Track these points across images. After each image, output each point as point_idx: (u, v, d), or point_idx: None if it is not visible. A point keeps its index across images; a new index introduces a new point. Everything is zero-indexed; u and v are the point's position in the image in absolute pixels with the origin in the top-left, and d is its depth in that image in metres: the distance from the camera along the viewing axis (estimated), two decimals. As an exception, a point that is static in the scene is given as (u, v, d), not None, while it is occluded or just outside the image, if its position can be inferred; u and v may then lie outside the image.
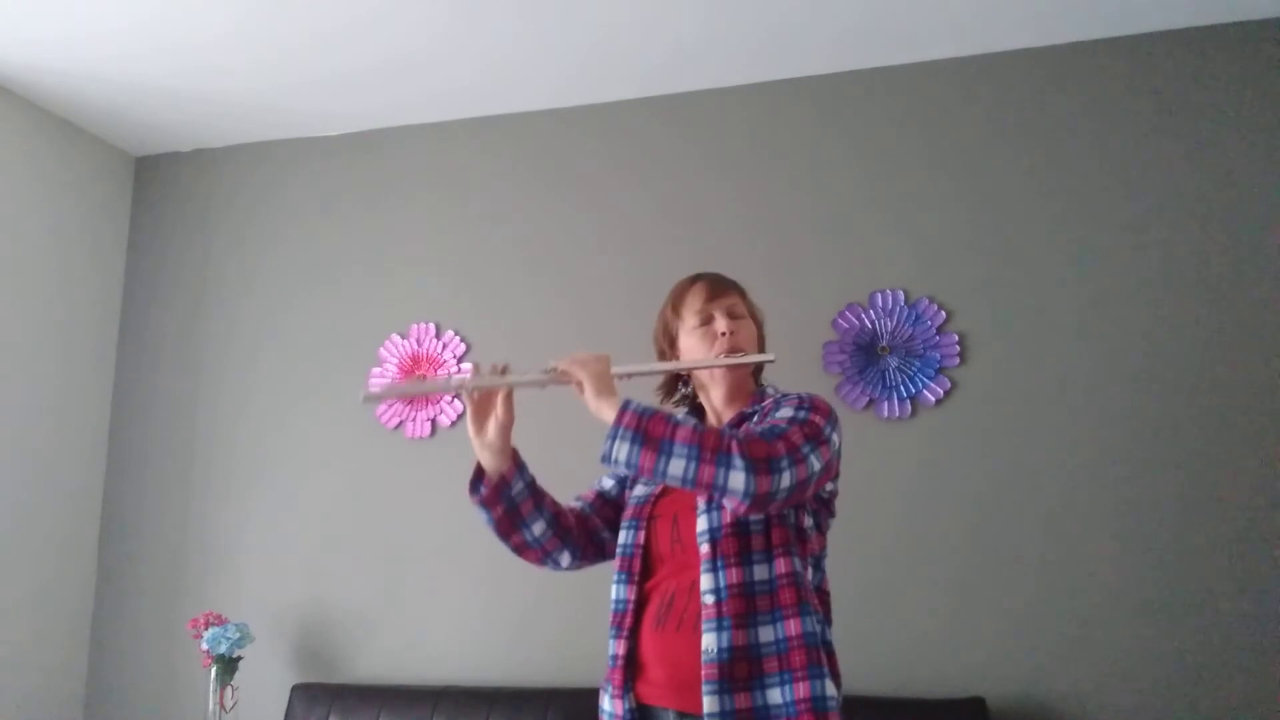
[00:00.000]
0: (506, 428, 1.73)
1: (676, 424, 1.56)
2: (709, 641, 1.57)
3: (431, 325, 3.27)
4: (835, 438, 1.67)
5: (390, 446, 3.22)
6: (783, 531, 1.63)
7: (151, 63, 3.10)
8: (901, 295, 2.90)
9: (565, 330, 3.12)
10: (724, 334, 1.77)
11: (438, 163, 3.40)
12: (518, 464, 1.77)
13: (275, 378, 3.39)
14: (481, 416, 1.73)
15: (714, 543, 1.62)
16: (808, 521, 1.67)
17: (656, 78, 3.15)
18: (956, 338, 2.84)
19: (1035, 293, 2.83)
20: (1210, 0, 2.73)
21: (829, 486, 1.72)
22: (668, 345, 1.86)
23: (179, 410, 3.46)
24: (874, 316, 2.91)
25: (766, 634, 1.58)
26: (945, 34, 2.91)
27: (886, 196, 2.99)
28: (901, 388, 2.85)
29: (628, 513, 1.79)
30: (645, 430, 1.55)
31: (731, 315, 1.80)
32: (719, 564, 1.61)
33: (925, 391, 2.83)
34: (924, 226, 2.94)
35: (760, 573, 1.60)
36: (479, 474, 1.76)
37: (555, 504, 1.81)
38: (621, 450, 1.55)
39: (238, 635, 2.97)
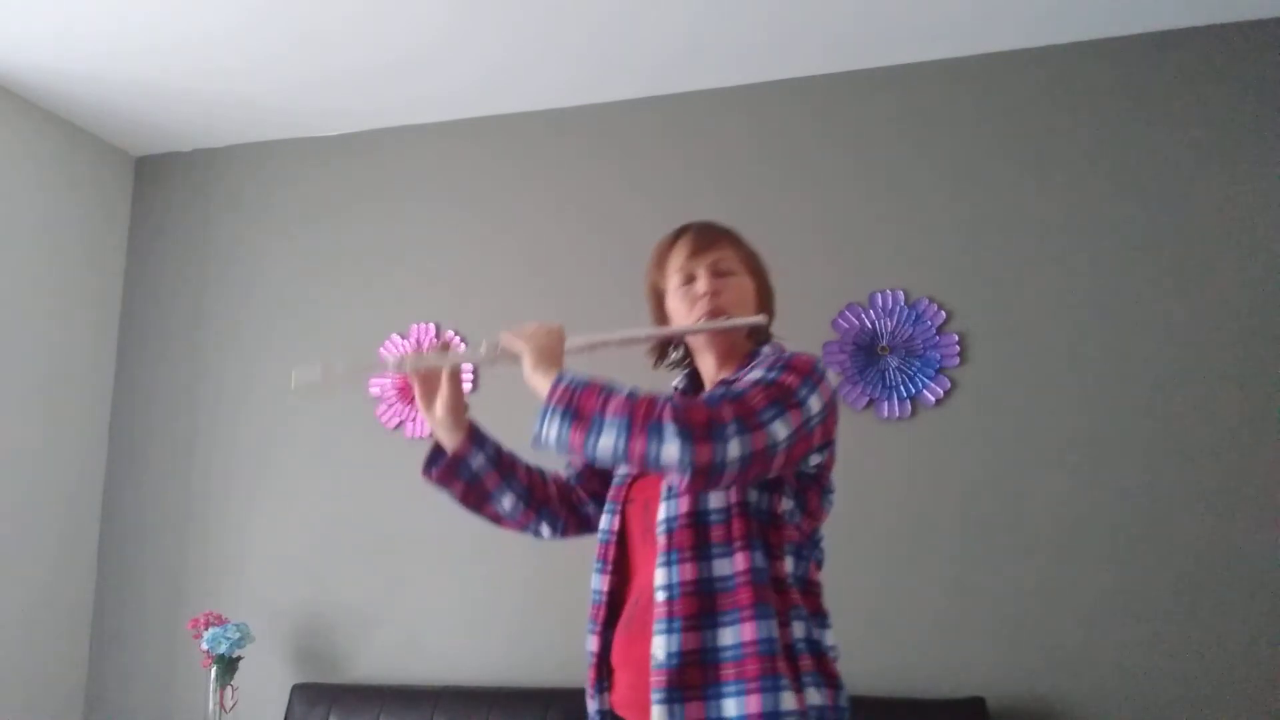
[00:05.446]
0: (455, 405, 1.63)
1: (610, 394, 1.38)
2: (657, 646, 1.40)
3: (431, 325, 3.27)
4: (814, 401, 1.41)
5: (390, 446, 3.22)
6: (746, 522, 1.42)
7: (151, 63, 3.10)
8: (901, 295, 2.90)
9: (567, 329, 3.11)
10: (705, 294, 1.58)
11: (438, 162, 3.40)
12: (474, 439, 1.65)
13: (275, 378, 3.39)
14: (429, 395, 1.63)
15: (669, 534, 1.44)
16: (785, 505, 1.45)
17: (655, 78, 3.15)
18: (956, 338, 2.84)
19: (1035, 293, 2.83)
20: (1212, 1, 2.74)
21: (814, 459, 1.47)
22: (656, 305, 1.68)
23: (179, 410, 3.46)
24: (874, 316, 2.91)
25: (727, 637, 1.39)
26: (945, 34, 2.91)
27: (886, 197, 2.99)
28: (901, 388, 2.85)
29: (610, 493, 1.63)
30: (576, 405, 1.37)
31: (717, 272, 1.60)
32: (673, 558, 1.42)
33: (925, 391, 2.83)
34: (924, 226, 2.94)
35: (721, 568, 1.41)
36: (437, 451, 1.66)
37: (531, 474, 1.69)
38: (552, 429, 1.38)
39: (238, 635, 2.97)
